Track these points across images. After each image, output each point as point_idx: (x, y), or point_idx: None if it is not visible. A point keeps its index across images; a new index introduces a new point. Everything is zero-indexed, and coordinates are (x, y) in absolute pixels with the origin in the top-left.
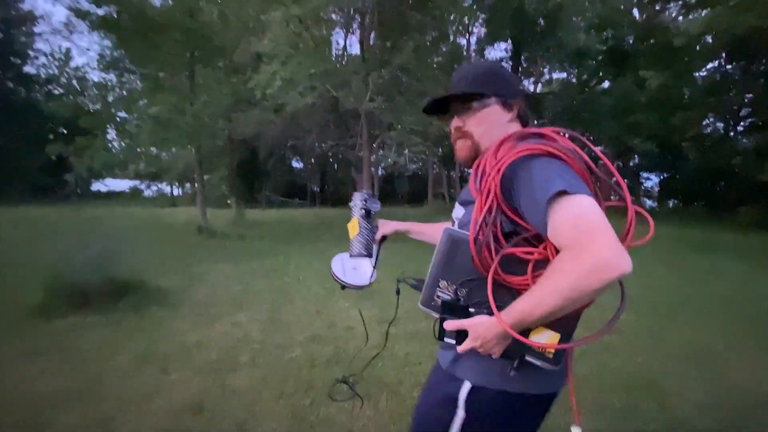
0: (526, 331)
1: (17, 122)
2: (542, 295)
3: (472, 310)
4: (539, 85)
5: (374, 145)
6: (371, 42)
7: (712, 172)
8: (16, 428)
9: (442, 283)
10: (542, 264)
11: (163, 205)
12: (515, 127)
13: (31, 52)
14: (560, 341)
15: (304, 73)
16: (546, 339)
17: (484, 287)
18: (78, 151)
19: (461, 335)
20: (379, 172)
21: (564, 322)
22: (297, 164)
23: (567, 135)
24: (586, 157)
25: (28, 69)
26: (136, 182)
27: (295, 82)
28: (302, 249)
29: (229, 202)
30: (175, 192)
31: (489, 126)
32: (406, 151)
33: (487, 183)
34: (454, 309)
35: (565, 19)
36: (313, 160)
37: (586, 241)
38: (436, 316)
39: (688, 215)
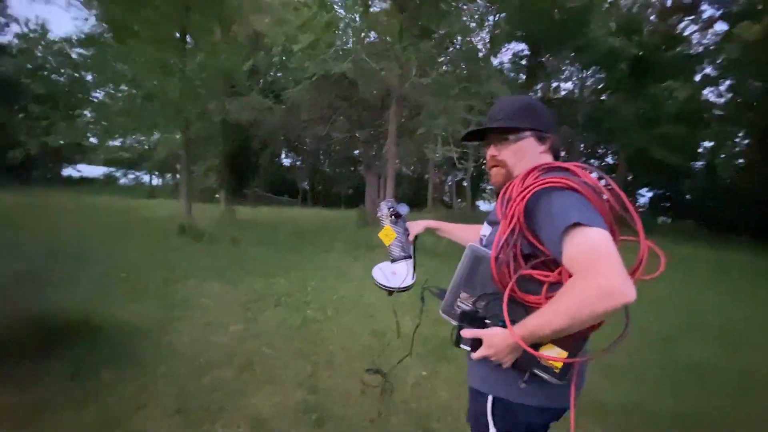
0: (536, 346)
1: None
2: (552, 314)
3: (488, 321)
4: (558, 88)
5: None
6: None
7: (727, 192)
8: None
9: (463, 295)
10: (556, 286)
11: (140, 196)
12: (546, 159)
13: (1, 19)
14: (566, 360)
15: (329, 37)
16: (554, 355)
17: (501, 302)
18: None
19: (476, 343)
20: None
21: (572, 341)
22: (286, 160)
23: (590, 171)
24: (606, 193)
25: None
26: (112, 169)
27: (320, 46)
28: (316, 262)
29: (217, 196)
30: (155, 182)
31: (522, 157)
32: (446, 148)
33: (512, 208)
34: (472, 319)
35: (594, 19)
36: (301, 157)
37: (595, 269)
38: (455, 323)
39: (690, 234)
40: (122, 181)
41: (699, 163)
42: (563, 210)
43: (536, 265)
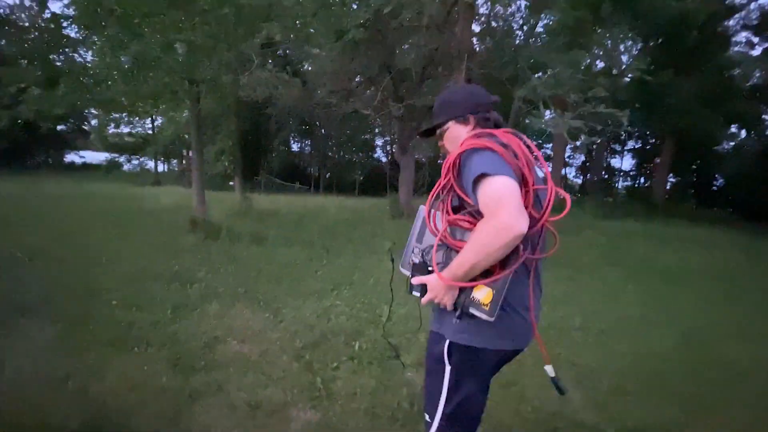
0: (469, 290)
1: None
2: (466, 253)
3: (431, 269)
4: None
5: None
6: None
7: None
8: None
9: (415, 250)
10: None
11: (145, 183)
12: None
13: None
14: (493, 297)
15: None
16: (482, 293)
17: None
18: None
19: (424, 290)
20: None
21: (495, 280)
22: (295, 145)
23: (513, 134)
24: (520, 152)
25: None
26: (115, 155)
27: None
28: (369, 270)
29: (231, 183)
30: (160, 168)
31: (455, 140)
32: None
33: (445, 168)
34: (420, 269)
35: None
36: (310, 142)
37: (495, 209)
38: (408, 274)
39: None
40: (126, 167)
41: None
42: (478, 165)
43: (462, 214)
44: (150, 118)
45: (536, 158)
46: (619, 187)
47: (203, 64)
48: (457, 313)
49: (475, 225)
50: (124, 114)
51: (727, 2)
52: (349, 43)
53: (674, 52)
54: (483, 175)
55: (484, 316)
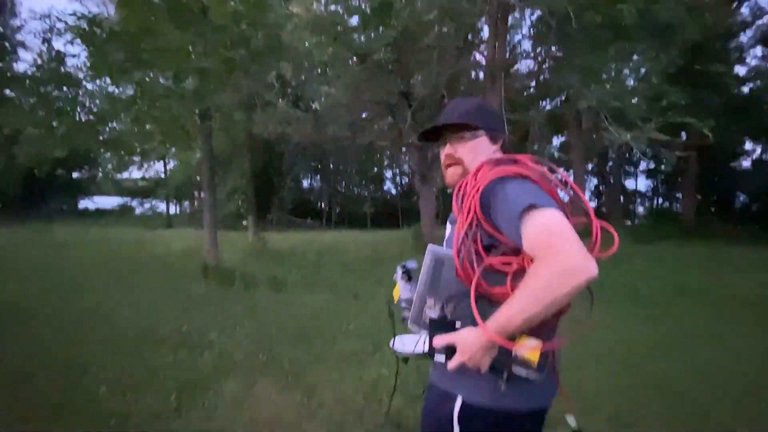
0: (511, 342)
1: None
2: (520, 302)
3: (458, 324)
4: None
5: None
6: None
7: None
8: None
9: (429, 301)
10: (521, 274)
11: (157, 226)
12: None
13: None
14: (542, 352)
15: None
16: (528, 348)
17: (469, 300)
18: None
19: (450, 351)
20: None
21: (543, 330)
22: (305, 180)
23: (540, 163)
24: (554, 179)
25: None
26: (127, 199)
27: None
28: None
29: (245, 223)
30: (172, 210)
31: (477, 154)
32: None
33: (468, 202)
34: (442, 325)
35: None
36: (319, 176)
37: (555, 250)
38: (425, 334)
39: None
40: (138, 210)
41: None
42: (517, 195)
43: (498, 255)
44: (162, 161)
45: (570, 188)
46: (641, 209)
47: (216, 95)
48: (505, 375)
49: (512, 267)
50: (135, 157)
51: (739, 18)
52: (370, 68)
53: (691, 66)
54: (531, 207)
55: (532, 375)
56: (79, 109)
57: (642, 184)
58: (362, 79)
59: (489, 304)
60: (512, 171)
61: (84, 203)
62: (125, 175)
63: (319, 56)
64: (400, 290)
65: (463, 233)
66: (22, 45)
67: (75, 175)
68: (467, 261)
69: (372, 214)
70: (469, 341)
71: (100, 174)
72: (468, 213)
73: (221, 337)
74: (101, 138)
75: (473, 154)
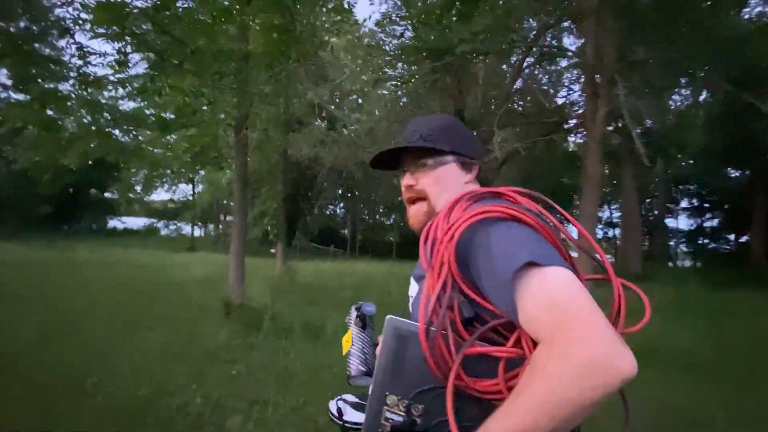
0: None
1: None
2: (524, 413)
3: None
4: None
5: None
6: None
7: None
8: None
9: (390, 398)
10: (517, 362)
11: (180, 249)
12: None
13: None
14: None
15: None
16: None
17: (445, 398)
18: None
19: None
20: None
21: None
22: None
23: (530, 195)
24: (555, 221)
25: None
26: (154, 220)
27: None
28: None
29: (273, 251)
30: (197, 233)
31: (446, 186)
32: None
33: (440, 253)
34: None
35: None
36: (342, 204)
37: (570, 331)
38: None
39: None
40: (164, 232)
41: None
42: (508, 247)
43: (484, 334)
44: (191, 184)
45: (580, 236)
46: (681, 249)
47: (259, 78)
48: None
49: (504, 353)
50: (162, 176)
51: None
52: (416, 89)
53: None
54: (529, 265)
55: None
56: (96, 114)
57: (683, 223)
58: (406, 102)
59: (475, 405)
60: (498, 210)
61: (113, 223)
62: (153, 197)
63: (360, 78)
64: (353, 339)
65: (433, 300)
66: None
67: (106, 195)
68: (441, 343)
69: (397, 244)
70: None
71: (130, 195)
72: (440, 270)
73: (246, 415)
74: (121, 148)
75: (439, 187)
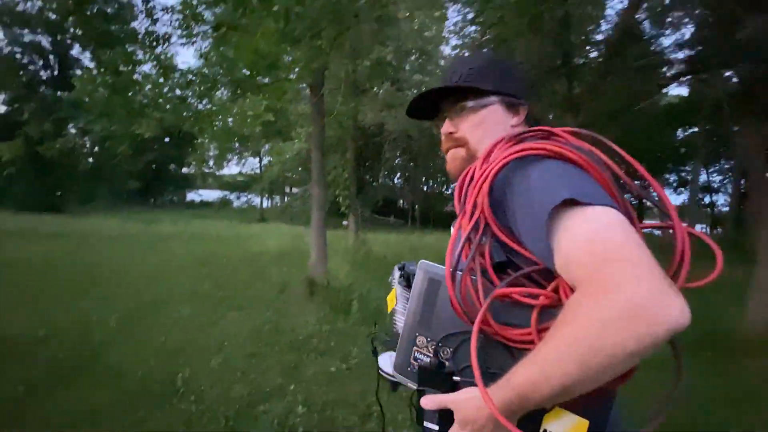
0: (536, 414)
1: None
2: (552, 359)
3: (457, 378)
4: None
5: None
6: None
7: None
8: None
9: (420, 340)
10: (552, 311)
11: (252, 220)
12: None
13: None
14: None
15: None
16: (566, 428)
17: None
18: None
19: (445, 418)
20: None
21: (592, 403)
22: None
23: (591, 138)
24: (612, 163)
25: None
26: (227, 192)
27: None
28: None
29: (344, 222)
30: (265, 204)
31: (488, 130)
32: None
33: (473, 195)
34: (436, 378)
35: None
36: (399, 174)
37: (610, 273)
38: (413, 387)
39: None
40: (236, 204)
41: None
42: (548, 184)
43: (518, 280)
44: (258, 158)
45: (640, 178)
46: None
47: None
48: None
49: (540, 300)
50: (234, 150)
51: None
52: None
53: None
54: (569, 203)
55: None
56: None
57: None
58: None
59: (504, 352)
60: (542, 148)
61: (191, 196)
62: (225, 171)
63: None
64: (397, 297)
65: (462, 243)
66: None
67: (183, 170)
68: (469, 287)
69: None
70: (472, 409)
71: (204, 169)
72: (472, 212)
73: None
74: (195, 114)
75: (482, 131)
